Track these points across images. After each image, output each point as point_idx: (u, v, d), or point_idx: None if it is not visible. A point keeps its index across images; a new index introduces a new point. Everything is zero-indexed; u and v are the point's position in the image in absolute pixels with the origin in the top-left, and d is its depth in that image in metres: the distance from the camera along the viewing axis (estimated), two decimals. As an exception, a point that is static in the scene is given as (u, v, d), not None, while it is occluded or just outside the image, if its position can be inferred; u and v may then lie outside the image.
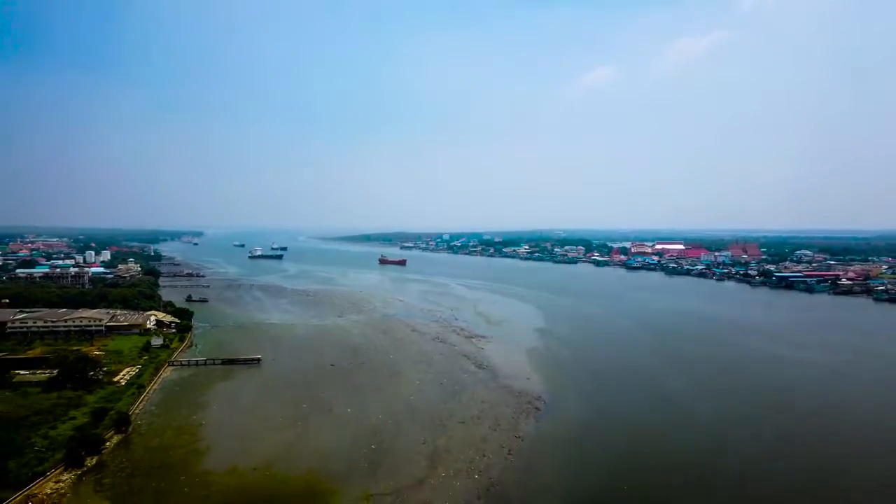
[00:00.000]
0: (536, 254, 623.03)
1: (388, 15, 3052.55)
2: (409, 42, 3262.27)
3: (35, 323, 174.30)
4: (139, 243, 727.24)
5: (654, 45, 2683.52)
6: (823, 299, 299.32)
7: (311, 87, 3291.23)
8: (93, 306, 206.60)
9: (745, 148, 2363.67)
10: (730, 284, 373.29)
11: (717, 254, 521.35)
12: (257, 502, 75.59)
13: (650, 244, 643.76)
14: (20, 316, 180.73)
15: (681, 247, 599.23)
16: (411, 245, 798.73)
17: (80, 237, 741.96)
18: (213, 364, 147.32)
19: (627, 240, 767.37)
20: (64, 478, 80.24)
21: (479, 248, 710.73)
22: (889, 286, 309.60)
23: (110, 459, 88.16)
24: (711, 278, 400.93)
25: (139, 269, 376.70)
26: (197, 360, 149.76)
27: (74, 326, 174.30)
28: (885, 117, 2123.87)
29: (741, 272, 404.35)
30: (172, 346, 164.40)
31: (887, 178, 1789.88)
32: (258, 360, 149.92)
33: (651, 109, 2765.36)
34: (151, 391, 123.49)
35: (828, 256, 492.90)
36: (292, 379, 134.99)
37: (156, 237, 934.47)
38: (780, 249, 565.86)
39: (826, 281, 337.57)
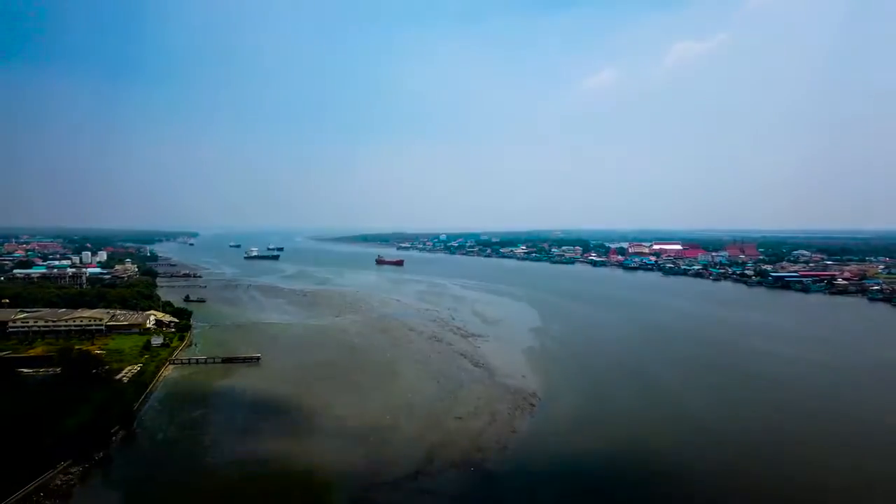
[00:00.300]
0: (533, 254, 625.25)
1: (388, 17, 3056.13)
2: (410, 43, 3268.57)
3: (36, 322, 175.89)
4: (134, 244, 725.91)
5: (655, 47, 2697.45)
6: (818, 299, 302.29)
7: (307, 88, 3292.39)
8: (92, 306, 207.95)
9: (745, 148, 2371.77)
10: (726, 284, 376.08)
11: (714, 254, 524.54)
12: (260, 494, 77.60)
13: (648, 244, 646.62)
14: (21, 316, 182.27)
15: (678, 247, 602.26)
16: (408, 245, 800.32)
17: (75, 238, 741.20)
18: (214, 362, 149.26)
19: (626, 240, 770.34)
20: (73, 470, 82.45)
21: (476, 249, 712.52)
22: (884, 286, 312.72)
23: (116, 453, 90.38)
24: (708, 278, 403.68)
25: (136, 269, 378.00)
26: (197, 359, 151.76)
27: (75, 326, 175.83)
28: (885, 118, 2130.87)
29: (738, 272, 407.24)
30: (172, 344, 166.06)
31: (887, 178, 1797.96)
32: (257, 358, 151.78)
33: (651, 111, 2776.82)
34: (154, 388, 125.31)
35: (825, 257, 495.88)
36: (291, 377, 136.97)
37: (151, 238, 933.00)
38: (777, 250, 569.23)
39: (822, 281, 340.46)
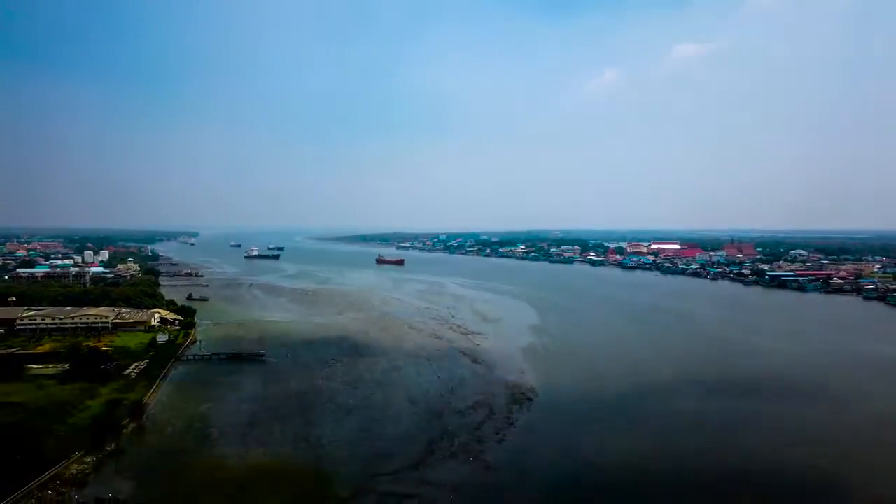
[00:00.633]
0: (532, 254, 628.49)
1: (391, 17, 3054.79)
2: (411, 44, 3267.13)
3: (43, 320, 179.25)
4: (135, 244, 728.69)
5: (656, 50, 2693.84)
6: (813, 298, 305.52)
7: (306, 88, 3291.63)
8: (96, 305, 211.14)
9: (745, 149, 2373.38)
10: (723, 283, 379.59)
11: (712, 253, 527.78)
12: (268, 484, 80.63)
13: (646, 244, 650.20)
14: (28, 313, 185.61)
15: (676, 246, 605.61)
16: (408, 245, 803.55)
17: (75, 237, 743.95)
18: (219, 359, 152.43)
19: (625, 240, 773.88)
20: (86, 460, 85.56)
21: (475, 249, 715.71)
22: (879, 285, 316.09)
23: (128, 444, 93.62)
24: (706, 277, 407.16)
25: (138, 268, 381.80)
26: (203, 356, 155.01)
27: (81, 323, 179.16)
28: (885, 119, 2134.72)
29: (735, 271, 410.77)
30: (178, 342, 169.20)
31: (887, 179, 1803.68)
32: (262, 355, 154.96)
33: (652, 112, 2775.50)
34: (162, 384, 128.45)
35: (822, 256, 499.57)
36: (296, 373, 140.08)
37: (151, 237, 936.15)
38: (775, 249, 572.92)
39: (818, 280, 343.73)
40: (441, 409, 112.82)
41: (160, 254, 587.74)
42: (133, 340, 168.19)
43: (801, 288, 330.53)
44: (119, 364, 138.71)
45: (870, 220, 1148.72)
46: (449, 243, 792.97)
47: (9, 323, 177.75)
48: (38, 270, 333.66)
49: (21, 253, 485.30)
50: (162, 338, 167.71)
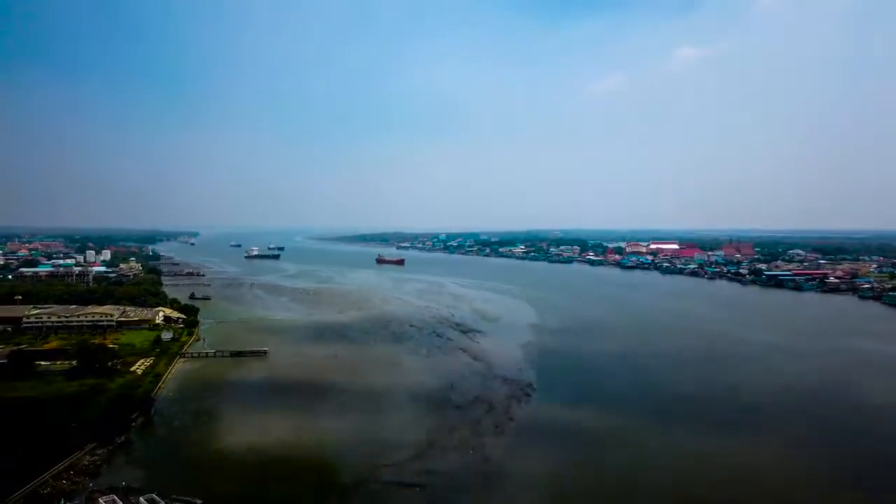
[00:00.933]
0: (532, 253, 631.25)
1: (393, 19, 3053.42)
2: (412, 45, 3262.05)
3: (49, 318, 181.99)
4: (135, 243, 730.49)
5: (658, 53, 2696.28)
6: (809, 297, 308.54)
7: (307, 88, 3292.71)
8: (101, 303, 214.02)
9: (745, 150, 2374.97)
10: (721, 283, 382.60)
11: (710, 253, 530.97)
12: (274, 474, 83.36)
13: (645, 244, 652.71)
14: (35, 312, 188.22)
15: (675, 246, 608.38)
16: (408, 245, 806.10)
17: (76, 237, 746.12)
18: (223, 356, 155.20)
19: (624, 240, 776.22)
20: (98, 452, 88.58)
21: (475, 248, 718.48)
22: (875, 284, 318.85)
23: (137, 437, 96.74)
24: (703, 277, 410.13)
25: (140, 268, 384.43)
26: (207, 352, 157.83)
27: (87, 321, 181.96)
28: (885, 119, 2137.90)
29: (732, 271, 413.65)
30: (182, 339, 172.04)
31: (887, 178, 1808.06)
32: (265, 352, 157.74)
33: (651, 113, 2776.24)
34: (168, 379, 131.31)
35: (819, 256, 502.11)
36: (299, 369, 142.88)
37: (152, 237, 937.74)
38: (773, 249, 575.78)
39: (814, 279, 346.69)
40: (441, 404, 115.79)
41: (161, 253, 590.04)
42: (138, 338, 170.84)
43: (798, 287, 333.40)
44: (125, 360, 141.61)
45: (869, 220, 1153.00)
46: (448, 243, 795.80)
47: (15, 321, 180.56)
48: (42, 270, 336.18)
49: (23, 252, 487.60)
50: (166, 335, 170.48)
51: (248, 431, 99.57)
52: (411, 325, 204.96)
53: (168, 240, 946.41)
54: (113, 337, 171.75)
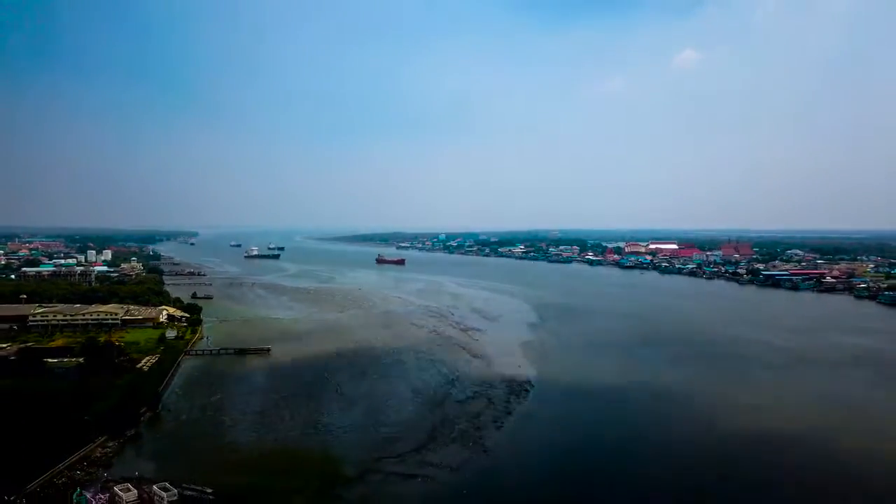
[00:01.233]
0: (531, 253, 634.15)
1: (394, 24, 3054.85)
2: (415, 49, 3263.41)
3: (55, 316, 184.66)
4: (135, 243, 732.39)
5: (660, 56, 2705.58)
6: (804, 296, 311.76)
7: (307, 89, 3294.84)
8: (105, 302, 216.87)
9: (746, 150, 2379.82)
10: (719, 282, 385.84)
11: (708, 253, 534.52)
12: (279, 466, 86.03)
13: (644, 244, 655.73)
14: (40, 310, 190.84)
15: (674, 246, 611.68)
16: (407, 245, 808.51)
17: (76, 237, 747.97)
18: (227, 353, 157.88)
19: (624, 239, 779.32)
20: (109, 444, 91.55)
21: (475, 248, 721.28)
22: (871, 284, 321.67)
23: (146, 430, 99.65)
24: (702, 277, 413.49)
25: (142, 267, 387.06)
26: (211, 350, 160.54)
27: (92, 320, 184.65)
28: (885, 120, 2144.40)
29: (730, 271, 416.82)
30: (186, 337, 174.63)
31: (888, 178, 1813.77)
32: (268, 349, 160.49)
33: (652, 115, 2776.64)
34: (174, 376, 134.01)
35: (817, 256, 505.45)
36: (302, 366, 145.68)
37: (151, 237, 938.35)
38: (772, 249, 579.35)
39: (811, 279, 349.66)
40: (442, 400, 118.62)
41: (161, 254, 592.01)
42: (143, 336, 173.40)
43: (795, 287, 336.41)
44: (132, 358, 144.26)
45: (870, 221, 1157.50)
46: (448, 243, 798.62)
47: (21, 319, 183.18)
48: (44, 269, 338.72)
49: (24, 252, 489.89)
50: (171, 334, 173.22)
51: (253, 425, 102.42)
52: (412, 324, 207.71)
53: (167, 240, 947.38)
54: (118, 335, 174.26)
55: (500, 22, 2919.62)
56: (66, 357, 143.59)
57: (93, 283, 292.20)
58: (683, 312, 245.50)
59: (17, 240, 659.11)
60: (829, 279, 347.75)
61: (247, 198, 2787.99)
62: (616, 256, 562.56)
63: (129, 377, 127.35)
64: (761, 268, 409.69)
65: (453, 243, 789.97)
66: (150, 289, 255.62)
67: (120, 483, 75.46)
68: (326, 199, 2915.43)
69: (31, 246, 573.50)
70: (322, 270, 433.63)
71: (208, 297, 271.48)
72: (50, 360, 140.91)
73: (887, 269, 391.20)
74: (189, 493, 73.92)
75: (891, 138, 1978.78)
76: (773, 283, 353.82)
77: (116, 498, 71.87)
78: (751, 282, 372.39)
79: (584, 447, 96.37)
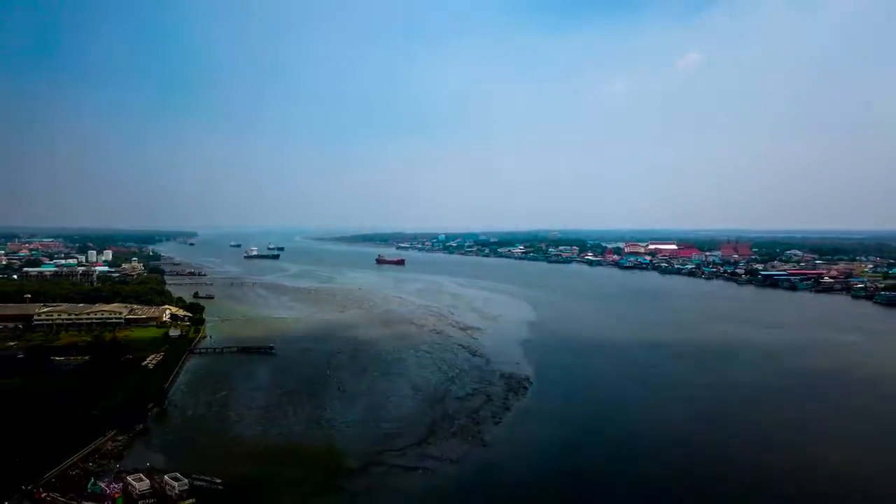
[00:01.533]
0: (531, 254, 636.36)
1: (396, 26, 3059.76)
2: (417, 51, 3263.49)
3: (60, 316, 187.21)
4: (135, 244, 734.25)
5: (660, 58, 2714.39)
6: (801, 296, 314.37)
7: (308, 89, 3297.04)
8: (108, 302, 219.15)
9: (746, 151, 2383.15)
10: (717, 283, 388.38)
11: (708, 253, 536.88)
12: (284, 458, 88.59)
13: (644, 244, 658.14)
14: (45, 309, 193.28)
15: (673, 247, 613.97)
16: (407, 245, 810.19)
17: (75, 237, 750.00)
18: (230, 352, 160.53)
19: (623, 240, 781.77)
20: (119, 438, 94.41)
21: (474, 249, 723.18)
22: (868, 284, 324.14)
23: (154, 425, 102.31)
24: (700, 277, 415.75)
25: (143, 268, 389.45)
26: (215, 348, 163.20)
27: (96, 319, 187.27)
28: (886, 121, 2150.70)
29: (729, 271, 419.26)
30: (189, 336, 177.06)
31: (887, 179, 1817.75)
32: (271, 348, 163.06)
33: (653, 116, 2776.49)
34: (178, 374, 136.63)
35: (816, 256, 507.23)
36: (304, 364, 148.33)
37: (150, 237, 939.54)
38: (771, 249, 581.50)
39: (809, 279, 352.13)
40: (442, 396, 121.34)
41: (161, 254, 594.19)
42: (146, 335, 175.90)
43: (793, 287, 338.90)
44: (136, 356, 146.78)
45: (870, 221, 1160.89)
46: (448, 243, 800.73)
47: (26, 318, 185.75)
48: (46, 269, 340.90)
49: (24, 252, 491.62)
50: (174, 332, 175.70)
51: (258, 420, 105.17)
52: (412, 323, 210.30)
53: (166, 240, 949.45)
54: (122, 334, 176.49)
55: (502, 24, 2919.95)
56: (72, 355, 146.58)
57: (95, 283, 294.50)
58: (679, 312, 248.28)
59: (16, 240, 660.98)
60: (826, 279, 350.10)
61: (246, 198, 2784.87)
62: (615, 257, 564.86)
63: (136, 374, 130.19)
64: (760, 268, 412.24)
65: (453, 244, 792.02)
66: (152, 288, 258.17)
67: (132, 473, 77.99)
68: (326, 199, 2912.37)
69: (31, 246, 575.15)
70: (322, 270, 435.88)
71: (210, 297, 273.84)
72: (57, 358, 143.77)
73: (885, 270, 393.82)
74: (199, 483, 76.50)
75: (891, 138, 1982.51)
76: (772, 283, 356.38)
77: (129, 487, 74.38)
78: (749, 282, 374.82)
79: (581, 443, 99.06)
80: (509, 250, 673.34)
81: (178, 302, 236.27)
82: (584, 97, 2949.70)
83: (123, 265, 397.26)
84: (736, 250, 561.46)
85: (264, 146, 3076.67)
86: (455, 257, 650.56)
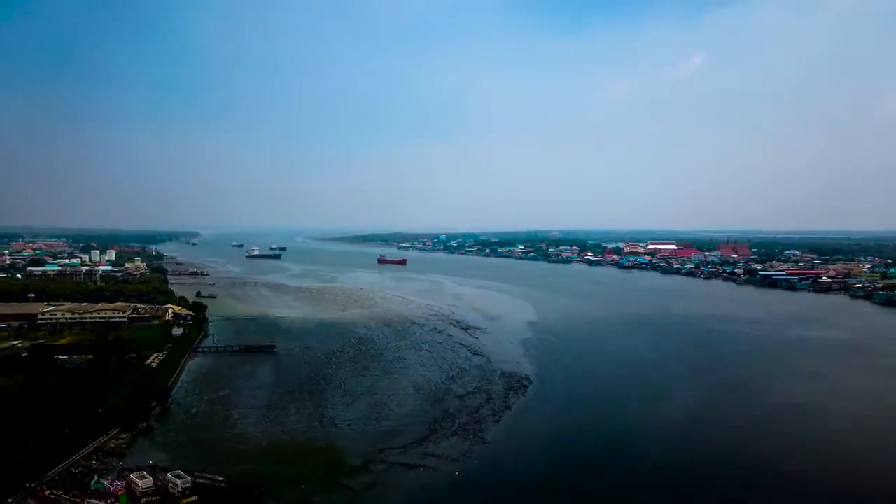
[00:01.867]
0: (531, 254, 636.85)
1: (398, 29, 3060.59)
2: (420, 50, 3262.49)
3: (63, 315, 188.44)
4: (137, 244, 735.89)
5: (663, 60, 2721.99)
6: (800, 296, 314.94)
7: (308, 90, 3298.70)
8: (111, 301, 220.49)
9: (747, 152, 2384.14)
10: (716, 282, 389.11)
11: (707, 254, 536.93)
12: (287, 456, 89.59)
13: (643, 244, 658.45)
14: (49, 309, 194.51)
15: (673, 247, 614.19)
16: (408, 245, 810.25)
17: (79, 237, 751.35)
18: (232, 351, 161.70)
19: (623, 240, 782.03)
20: (122, 436, 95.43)
21: (475, 249, 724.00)
22: (866, 284, 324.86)
23: (157, 423, 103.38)
24: (699, 277, 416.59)
25: (146, 267, 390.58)
26: (217, 347, 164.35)
27: (100, 318, 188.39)
28: (886, 121, 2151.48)
29: (728, 271, 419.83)
30: (192, 335, 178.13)
31: (887, 179, 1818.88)
32: (273, 347, 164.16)
33: (653, 117, 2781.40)
34: (181, 372, 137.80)
35: (815, 256, 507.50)
36: (306, 363, 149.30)
37: (153, 238, 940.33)
38: (770, 250, 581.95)
39: (808, 279, 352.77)
40: (443, 395, 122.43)
41: (164, 254, 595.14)
42: (150, 334, 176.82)
43: (791, 287, 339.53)
44: (140, 355, 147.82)
45: (870, 221, 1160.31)
46: (449, 243, 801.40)
47: (30, 317, 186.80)
48: (50, 269, 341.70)
49: (28, 252, 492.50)
50: (177, 331, 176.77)
51: (260, 418, 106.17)
52: (413, 322, 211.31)
53: (169, 240, 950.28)
54: (126, 333, 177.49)
55: (504, 26, 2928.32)
56: (76, 354, 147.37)
57: (98, 283, 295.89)
58: (675, 311, 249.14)
59: (20, 240, 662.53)
60: (825, 279, 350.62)
61: (248, 198, 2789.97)
62: (615, 257, 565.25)
63: (139, 373, 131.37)
64: (759, 268, 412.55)
65: (454, 244, 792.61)
66: (155, 288, 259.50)
67: (135, 471, 79.06)
68: (328, 199, 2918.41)
69: (35, 246, 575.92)
70: (324, 270, 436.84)
71: (212, 297, 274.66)
72: (60, 356, 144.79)
73: (883, 270, 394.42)
74: (202, 480, 77.48)
75: (891, 139, 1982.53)
76: (770, 283, 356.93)
77: (133, 485, 75.39)
78: (748, 282, 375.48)
79: (581, 440, 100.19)
80: (510, 250, 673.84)
81: (181, 301, 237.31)
82: (585, 98, 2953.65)
83: (126, 265, 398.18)
84: (735, 250, 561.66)
85: (266, 147, 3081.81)
86: (456, 257, 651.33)
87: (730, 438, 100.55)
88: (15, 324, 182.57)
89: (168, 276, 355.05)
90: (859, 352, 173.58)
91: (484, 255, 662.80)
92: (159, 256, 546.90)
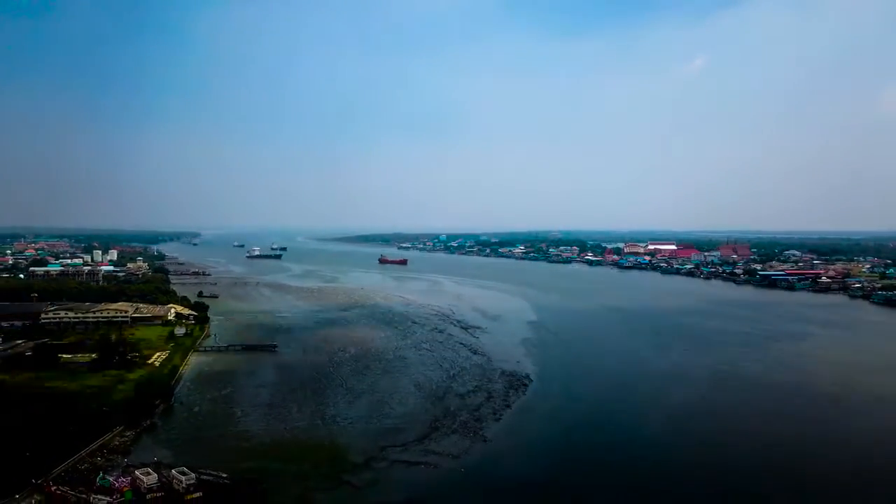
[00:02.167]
0: (531, 254, 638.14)
1: (400, 30, 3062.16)
2: (422, 51, 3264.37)
3: (67, 314, 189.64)
4: (139, 244, 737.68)
5: (665, 62, 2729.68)
6: (799, 295, 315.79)
7: (309, 90, 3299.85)
8: (113, 301, 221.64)
9: (747, 152, 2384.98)
10: (716, 283, 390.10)
11: (707, 254, 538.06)
12: (289, 454, 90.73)
13: (643, 244, 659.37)
14: (52, 308, 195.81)
15: (673, 247, 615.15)
16: (408, 245, 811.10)
17: (80, 237, 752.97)
18: (234, 350, 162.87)
19: (623, 240, 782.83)
20: (127, 434, 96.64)
21: (475, 249, 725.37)
22: (865, 284, 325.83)
23: (161, 421, 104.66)
24: (699, 277, 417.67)
25: (148, 267, 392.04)
26: (219, 346, 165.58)
27: (103, 318, 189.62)
28: (886, 122, 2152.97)
29: (727, 271, 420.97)
30: (194, 335, 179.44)
31: (887, 180, 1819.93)
32: (275, 346, 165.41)
33: (653, 118, 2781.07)
34: (184, 371, 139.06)
35: (814, 256, 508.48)
36: (307, 362, 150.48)
37: (154, 238, 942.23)
38: (770, 250, 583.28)
39: (807, 279, 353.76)
40: (443, 393, 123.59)
41: (165, 254, 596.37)
42: (152, 333, 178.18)
43: (791, 287, 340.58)
44: (143, 354, 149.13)
45: (870, 222, 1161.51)
46: (449, 244, 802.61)
47: (34, 317, 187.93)
48: (52, 269, 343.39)
49: (30, 252, 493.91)
50: (180, 331, 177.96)
51: (263, 416, 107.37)
52: (414, 322, 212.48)
53: (170, 240, 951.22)
54: (128, 333, 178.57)
55: (507, 28, 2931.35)
56: (79, 353, 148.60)
57: (100, 283, 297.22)
58: (674, 311, 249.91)
59: (22, 240, 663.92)
60: (824, 279, 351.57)
61: (249, 198, 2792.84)
62: (615, 257, 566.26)
63: (142, 372, 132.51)
64: (758, 268, 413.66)
65: (454, 244, 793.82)
66: (157, 288, 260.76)
67: (140, 468, 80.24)
68: (328, 199, 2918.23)
69: (37, 246, 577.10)
70: (324, 270, 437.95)
71: (214, 297, 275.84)
72: (65, 355, 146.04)
73: (882, 270, 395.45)
74: (206, 477, 78.64)
75: (890, 139, 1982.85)
76: (770, 283, 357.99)
77: (138, 481, 76.52)
78: (748, 282, 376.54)
79: (581, 438, 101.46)
80: (510, 250, 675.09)
81: (183, 301, 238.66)
82: (586, 99, 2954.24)
83: (128, 265, 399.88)
84: (735, 250, 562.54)
85: (267, 147, 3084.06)
86: (456, 257, 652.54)
87: (729, 434, 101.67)
88: (19, 323, 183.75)
89: (170, 276, 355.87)
90: (859, 352, 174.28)
91: (484, 256, 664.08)
92: (161, 256, 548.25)
